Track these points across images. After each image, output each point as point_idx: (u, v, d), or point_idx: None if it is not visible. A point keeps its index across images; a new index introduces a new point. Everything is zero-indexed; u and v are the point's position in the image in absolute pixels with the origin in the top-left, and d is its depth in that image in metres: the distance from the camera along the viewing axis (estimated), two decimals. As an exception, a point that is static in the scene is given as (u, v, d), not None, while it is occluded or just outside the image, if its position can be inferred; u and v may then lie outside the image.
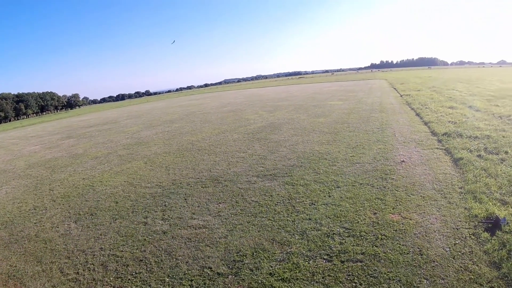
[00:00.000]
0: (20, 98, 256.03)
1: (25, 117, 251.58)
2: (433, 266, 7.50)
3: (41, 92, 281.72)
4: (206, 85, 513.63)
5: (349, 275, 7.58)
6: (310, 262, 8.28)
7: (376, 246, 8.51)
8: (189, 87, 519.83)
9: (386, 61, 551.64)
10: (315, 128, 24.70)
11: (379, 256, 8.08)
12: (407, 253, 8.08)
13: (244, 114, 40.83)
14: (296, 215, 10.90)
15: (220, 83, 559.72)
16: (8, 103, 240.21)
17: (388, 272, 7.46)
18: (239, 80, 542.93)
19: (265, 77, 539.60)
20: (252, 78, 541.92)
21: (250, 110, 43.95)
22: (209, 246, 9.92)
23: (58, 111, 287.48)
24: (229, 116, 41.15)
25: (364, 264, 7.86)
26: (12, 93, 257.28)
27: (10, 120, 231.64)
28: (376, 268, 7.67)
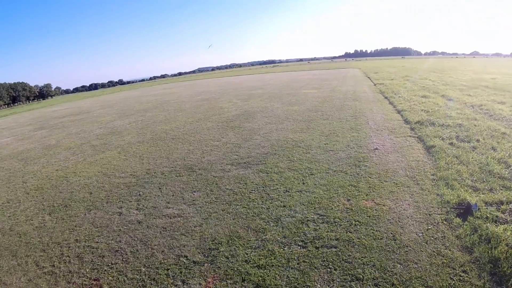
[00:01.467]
0: None
1: None
2: (406, 251, 7.63)
3: (12, 82, 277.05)
4: (180, 74, 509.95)
5: (324, 261, 7.66)
6: (285, 248, 8.34)
7: (350, 232, 8.61)
8: (162, 76, 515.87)
9: (360, 50, 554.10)
10: (289, 116, 24.76)
11: (353, 242, 8.18)
12: (381, 239, 8.20)
13: (218, 102, 40.73)
14: (271, 203, 10.97)
15: (194, 71, 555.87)
16: None
17: (362, 257, 7.56)
18: (213, 69, 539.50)
19: (239, 65, 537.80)
20: (227, 67, 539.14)
21: (224, 99, 43.87)
22: (184, 235, 9.93)
23: (30, 101, 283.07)
24: (203, 104, 41.01)
25: (339, 250, 7.95)
26: None
27: None
28: (350, 253, 7.76)
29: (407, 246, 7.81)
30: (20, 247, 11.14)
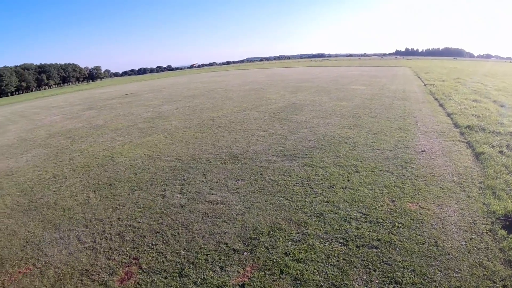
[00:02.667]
0: (42, 69, 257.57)
1: (47, 87, 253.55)
2: (448, 259, 7.48)
3: (63, 63, 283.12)
4: (228, 63, 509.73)
5: (364, 260, 7.60)
6: (326, 244, 8.31)
7: (392, 234, 8.50)
8: (211, 64, 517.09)
9: (411, 49, 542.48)
10: (337, 112, 24.52)
11: (395, 244, 8.07)
12: (423, 244, 8.05)
13: (266, 93, 40.62)
14: (314, 197, 10.92)
15: (242, 61, 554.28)
16: (30, 74, 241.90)
17: (402, 260, 7.46)
18: (261, 59, 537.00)
19: (288, 57, 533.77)
20: (275, 58, 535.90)
21: (272, 90, 43.70)
22: (226, 222, 10.01)
23: (80, 82, 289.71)
24: (251, 94, 41.02)
25: (380, 251, 7.87)
26: (35, 64, 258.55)
27: (32, 90, 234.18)
28: (391, 256, 7.67)
29: (448, 254, 7.64)
30: (63, 221, 11.46)
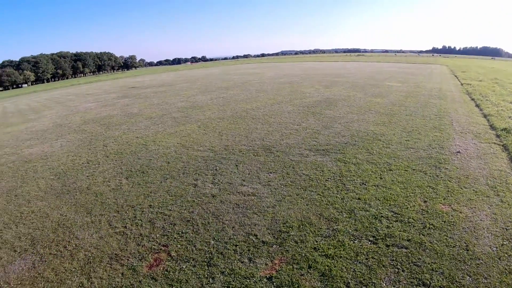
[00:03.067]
0: (78, 57, 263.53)
1: (82, 75, 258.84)
2: (478, 264, 7.38)
3: (98, 52, 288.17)
4: (263, 55, 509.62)
5: (393, 260, 7.56)
6: (356, 242, 8.30)
7: (423, 235, 8.42)
8: (245, 56, 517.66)
9: (448, 47, 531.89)
10: (371, 108, 24.35)
11: (425, 246, 8.00)
12: (453, 247, 7.95)
13: (300, 87, 40.49)
14: (346, 193, 10.90)
15: (277, 54, 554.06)
16: (66, 61, 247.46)
17: (432, 262, 7.40)
18: (296, 53, 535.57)
19: (323, 51, 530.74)
20: (310, 52, 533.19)
21: (307, 84, 43.55)
22: (257, 214, 10.07)
23: (115, 71, 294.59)
24: (285, 87, 40.96)
25: (409, 251, 7.82)
26: (71, 52, 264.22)
27: (67, 78, 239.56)
28: (420, 257, 7.61)
29: (479, 259, 7.53)
30: (95, 206, 11.71)
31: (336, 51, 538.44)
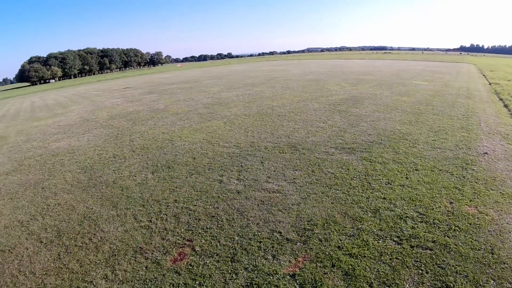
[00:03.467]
0: (104, 53, 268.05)
1: (109, 71, 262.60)
2: (503, 268, 7.28)
3: (125, 48, 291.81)
4: (288, 52, 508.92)
5: (417, 261, 7.53)
6: (380, 241, 8.28)
7: (448, 237, 8.35)
8: (271, 53, 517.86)
9: (476, 45, 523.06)
10: (398, 107, 24.15)
11: (450, 248, 7.93)
12: (478, 250, 7.87)
13: (326, 84, 40.38)
14: (371, 192, 10.87)
15: (303, 51, 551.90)
16: (93, 57, 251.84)
17: (456, 265, 7.34)
18: (322, 50, 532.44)
19: (349, 49, 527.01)
20: (336, 49, 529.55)
21: (333, 81, 43.37)
22: (281, 211, 10.11)
23: (141, 67, 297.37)
24: (311, 85, 40.88)
25: (433, 253, 7.76)
26: (98, 48, 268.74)
27: (94, 73, 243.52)
28: (445, 259, 7.55)
29: (504, 263, 7.43)
30: (121, 200, 11.90)
31: (363, 48, 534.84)
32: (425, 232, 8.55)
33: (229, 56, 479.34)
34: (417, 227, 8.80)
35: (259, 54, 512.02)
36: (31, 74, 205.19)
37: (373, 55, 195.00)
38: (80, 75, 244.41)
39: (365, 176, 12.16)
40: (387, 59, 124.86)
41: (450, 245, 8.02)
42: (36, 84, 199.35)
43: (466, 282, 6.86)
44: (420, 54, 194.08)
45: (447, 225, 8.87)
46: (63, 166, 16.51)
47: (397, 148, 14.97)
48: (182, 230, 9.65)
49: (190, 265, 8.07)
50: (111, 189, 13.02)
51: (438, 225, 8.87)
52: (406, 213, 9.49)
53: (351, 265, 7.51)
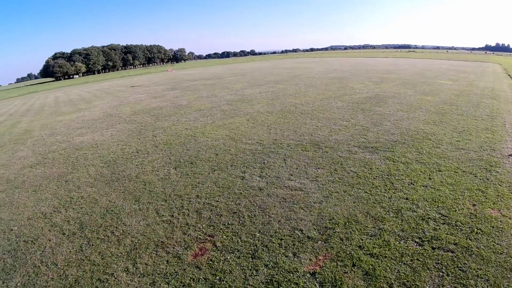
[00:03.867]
0: (128, 49, 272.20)
1: (132, 67, 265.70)
2: (526, 273, 7.19)
3: (148, 44, 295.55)
4: (311, 50, 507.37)
5: (438, 263, 7.48)
6: (401, 242, 8.25)
7: (470, 239, 8.26)
8: (294, 50, 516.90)
9: (502, 44, 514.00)
10: (422, 106, 23.94)
11: (471, 251, 7.84)
12: (501, 253, 7.75)
13: (350, 82, 40.24)
14: (394, 192, 10.83)
15: (326, 48, 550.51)
16: (116, 54, 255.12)
17: (477, 268, 7.26)
18: (346, 48, 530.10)
19: (373, 47, 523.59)
20: (360, 47, 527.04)
21: (356, 80, 43.18)
22: (303, 209, 10.14)
23: (164, 63, 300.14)
24: (334, 83, 40.77)
25: (455, 255, 7.69)
26: (121, 45, 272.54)
27: (118, 69, 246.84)
28: (466, 262, 7.47)
29: (527, 268, 7.34)
30: (143, 194, 12.07)
31: (387, 46, 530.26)
32: (447, 234, 8.49)
33: (252, 53, 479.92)
34: (439, 228, 8.74)
35: (282, 52, 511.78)
36: (55, 69, 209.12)
37: (397, 53, 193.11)
38: (103, 71, 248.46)
39: (388, 175, 12.12)
40: (411, 57, 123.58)
41: (472, 248, 7.93)
42: (60, 80, 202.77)
43: (487, 286, 6.79)
44: (444, 53, 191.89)
45: (469, 227, 8.78)
46: (86, 160, 16.77)
47: (421, 148, 14.86)
48: (204, 225, 9.76)
49: (211, 260, 8.16)
50: (134, 184, 13.20)
51: (460, 227, 8.79)
52: (428, 214, 9.43)
53: (371, 265, 7.51)
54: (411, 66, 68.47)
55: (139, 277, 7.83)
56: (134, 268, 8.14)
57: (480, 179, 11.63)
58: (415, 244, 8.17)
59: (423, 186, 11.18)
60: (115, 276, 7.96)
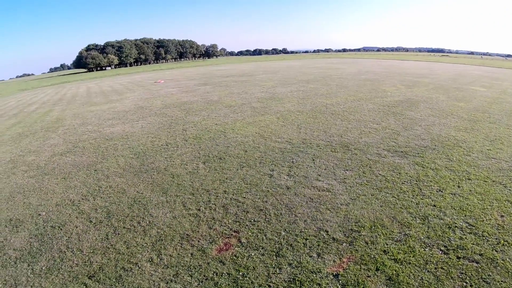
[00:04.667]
0: (160, 43, 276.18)
1: (164, 61, 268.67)
2: (551, 288, 7.11)
3: (181, 39, 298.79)
4: (344, 50, 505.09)
5: (462, 273, 7.42)
6: (426, 249, 8.22)
7: (496, 251, 8.17)
8: (326, 50, 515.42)
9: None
10: (454, 112, 23.62)
11: (497, 262, 7.76)
12: (527, 267, 7.65)
13: (382, 85, 39.93)
14: (421, 199, 10.76)
15: (358, 49, 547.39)
16: (149, 47, 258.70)
17: (502, 281, 7.19)
18: (378, 49, 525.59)
19: (406, 49, 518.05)
20: (393, 49, 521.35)
21: (388, 82, 42.79)
22: (330, 210, 10.18)
23: (196, 59, 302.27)
24: (366, 84, 40.54)
25: (480, 266, 7.62)
26: (154, 38, 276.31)
27: (149, 63, 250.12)
28: (491, 273, 7.41)
29: (552, 283, 7.25)
30: (171, 187, 12.27)
31: (420, 50, 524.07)
32: (473, 244, 8.42)
33: (284, 51, 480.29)
34: (465, 238, 8.67)
35: (314, 51, 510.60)
36: (88, 60, 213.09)
37: (430, 57, 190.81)
38: (135, 63, 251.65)
39: (416, 181, 12.04)
40: (444, 62, 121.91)
41: (497, 259, 7.86)
42: (92, 71, 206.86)
43: (511, 299, 6.77)
44: (478, 59, 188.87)
45: (496, 238, 8.69)
46: (116, 151, 17.07)
47: (451, 155, 14.72)
48: (230, 221, 9.89)
49: (235, 255, 8.28)
50: (162, 176, 13.41)
51: (487, 238, 8.70)
52: (455, 223, 9.35)
53: (395, 270, 7.51)
54: (444, 71, 67.61)
55: (162, 268, 8.01)
56: (158, 259, 8.33)
57: (510, 189, 11.45)
58: (440, 252, 8.13)
59: (451, 193, 11.08)
60: (139, 265, 8.16)
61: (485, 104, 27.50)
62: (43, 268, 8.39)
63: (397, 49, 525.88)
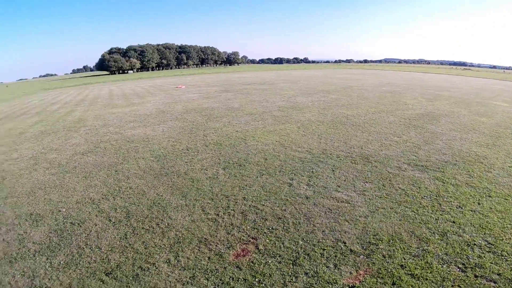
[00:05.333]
0: (182, 49, 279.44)
1: (186, 67, 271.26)
2: None
3: (202, 46, 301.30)
4: (365, 61, 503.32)
5: (479, 292, 7.34)
6: (444, 266, 8.16)
7: (515, 271, 8.07)
8: (348, 61, 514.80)
9: None
10: (476, 127, 23.43)
11: (515, 283, 7.66)
12: (545, 289, 7.56)
13: (402, 97, 39.73)
14: (441, 214, 10.68)
15: (380, 61, 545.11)
16: (171, 53, 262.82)
17: (519, 302, 7.10)
18: (400, 61, 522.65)
19: (428, 62, 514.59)
20: (414, 61, 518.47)
21: (409, 95, 42.59)
22: (348, 222, 10.18)
23: (217, 65, 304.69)
24: (387, 96, 40.43)
25: (497, 286, 7.53)
26: (176, 44, 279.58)
27: (171, 68, 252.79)
28: (507, 294, 7.31)
29: None
30: (191, 191, 12.40)
31: (441, 62, 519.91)
32: (492, 263, 8.33)
33: (305, 60, 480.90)
34: (484, 256, 8.59)
35: (335, 61, 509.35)
36: (110, 63, 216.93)
37: (452, 70, 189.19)
38: (157, 68, 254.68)
39: (436, 196, 11.96)
40: (466, 75, 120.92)
41: (515, 280, 7.76)
42: (114, 74, 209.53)
43: (527, 322, 6.72)
44: (501, 73, 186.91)
45: (515, 258, 8.59)
46: (137, 153, 17.28)
47: (472, 171, 14.58)
48: (248, 227, 9.97)
49: (252, 262, 8.35)
50: (182, 180, 13.56)
51: (506, 257, 8.59)
52: (474, 241, 9.27)
53: (411, 285, 7.48)
54: (466, 85, 67.05)
55: (179, 270, 8.13)
56: (176, 261, 8.46)
57: (531, 208, 11.31)
58: (458, 269, 8.07)
59: (471, 210, 10.99)
60: (157, 266, 8.30)
61: (507, 119, 27.25)
62: (61, 262, 8.60)
63: (419, 62, 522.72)
